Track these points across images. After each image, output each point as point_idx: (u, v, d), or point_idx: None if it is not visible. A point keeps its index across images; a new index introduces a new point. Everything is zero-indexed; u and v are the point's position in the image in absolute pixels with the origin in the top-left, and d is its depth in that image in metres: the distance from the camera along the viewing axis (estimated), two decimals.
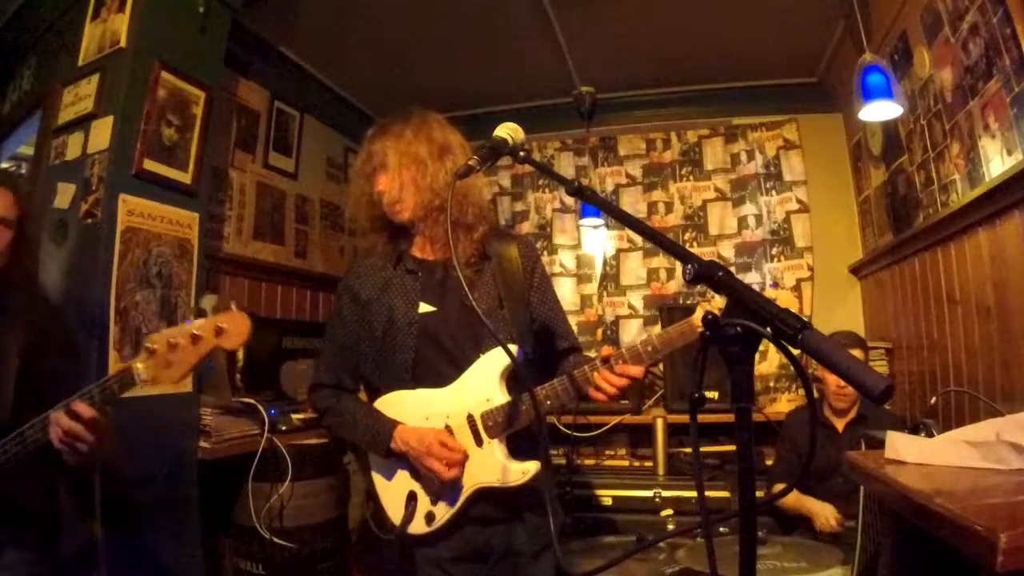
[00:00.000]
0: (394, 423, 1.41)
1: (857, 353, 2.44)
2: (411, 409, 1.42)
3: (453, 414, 1.38)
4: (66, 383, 1.30)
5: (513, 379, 1.38)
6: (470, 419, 1.37)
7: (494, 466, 1.35)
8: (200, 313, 1.19)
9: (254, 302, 3.08)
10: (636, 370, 1.28)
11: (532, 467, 1.34)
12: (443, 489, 1.38)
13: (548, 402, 1.35)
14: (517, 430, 1.36)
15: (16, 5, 2.59)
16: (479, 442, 1.37)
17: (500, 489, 1.35)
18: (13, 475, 1.23)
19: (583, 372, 1.32)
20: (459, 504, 1.37)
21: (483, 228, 1.46)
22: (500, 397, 1.36)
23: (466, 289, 1.12)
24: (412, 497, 1.41)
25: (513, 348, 1.35)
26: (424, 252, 1.50)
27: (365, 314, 1.48)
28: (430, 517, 1.39)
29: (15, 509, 1.33)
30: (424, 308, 1.44)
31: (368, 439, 1.46)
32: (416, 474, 1.41)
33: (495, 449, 1.36)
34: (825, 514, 2.27)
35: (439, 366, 1.41)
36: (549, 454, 1.49)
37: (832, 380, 2.43)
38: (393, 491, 1.44)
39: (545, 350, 1.51)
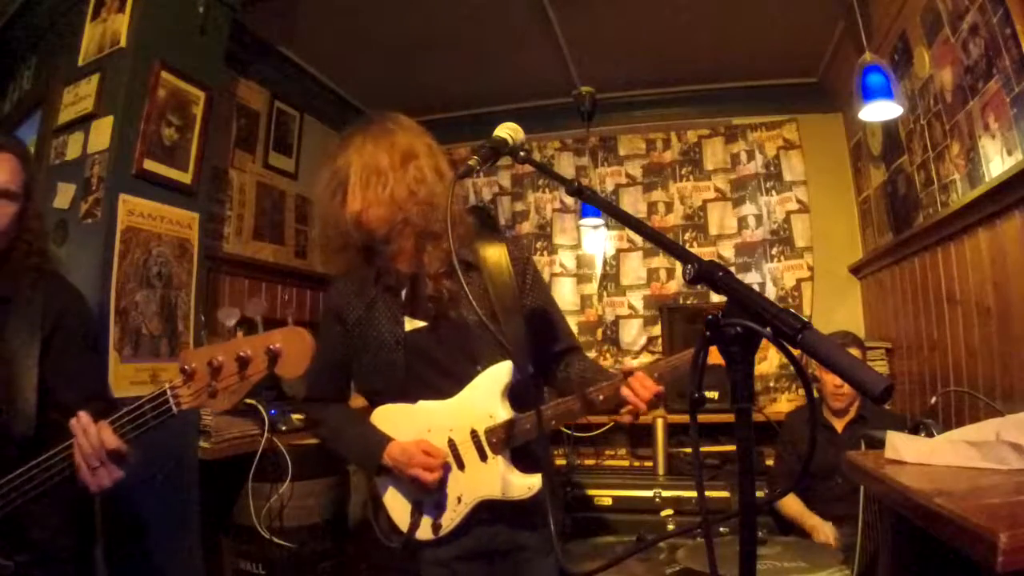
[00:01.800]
0: (386, 440, 1.39)
1: (855, 353, 2.45)
2: (413, 422, 1.40)
3: (456, 428, 1.37)
4: (85, 377, 1.24)
5: (515, 392, 1.37)
6: (474, 435, 1.36)
7: (498, 481, 1.35)
8: (224, 331, 1.00)
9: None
10: (653, 386, 1.26)
11: (537, 482, 1.33)
12: (439, 498, 1.38)
13: (553, 422, 1.35)
14: (522, 443, 1.35)
15: (16, 5, 2.58)
16: (483, 457, 1.36)
17: (505, 501, 1.35)
18: (38, 500, 1.11)
19: (592, 391, 1.31)
20: (463, 516, 1.37)
21: (458, 233, 1.37)
22: (503, 413, 1.35)
23: (473, 301, 1.08)
24: (419, 506, 1.40)
25: (508, 364, 1.35)
26: (404, 265, 1.43)
27: (353, 336, 1.45)
28: (436, 528, 1.38)
29: (41, 534, 1.23)
30: (412, 324, 1.40)
31: (357, 456, 1.45)
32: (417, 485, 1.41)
33: (500, 464, 1.35)
34: (825, 532, 2.28)
35: (434, 381, 1.39)
36: (552, 466, 1.48)
37: (829, 380, 2.44)
38: (400, 499, 1.43)
39: (543, 353, 1.50)
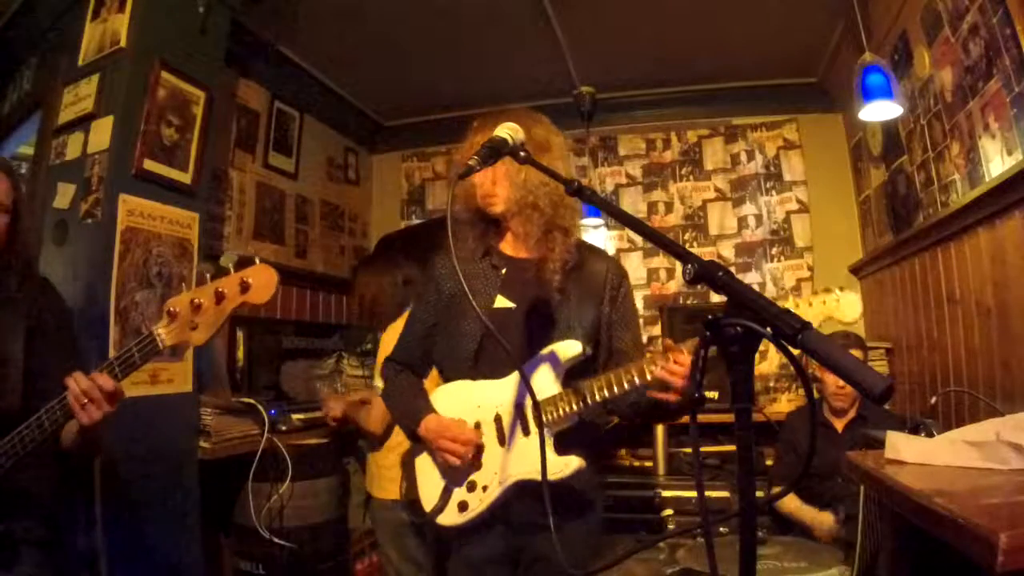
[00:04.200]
0: (428, 409, 1.44)
1: (857, 353, 2.45)
2: (465, 399, 1.42)
3: (504, 404, 1.38)
4: (65, 369, 1.29)
5: (573, 375, 1.37)
6: (519, 409, 1.36)
7: (536, 457, 1.31)
8: (221, 272, 1.15)
9: None
10: (689, 359, 1.22)
11: (575, 462, 1.30)
12: (473, 474, 1.38)
13: (603, 391, 1.29)
14: (569, 425, 1.34)
15: (16, 5, 2.58)
16: (526, 432, 1.35)
17: (540, 484, 1.31)
18: (26, 463, 1.22)
19: (640, 363, 1.27)
20: (496, 495, 1.35)
21: (578, 236, 1.47)
22: (554, 389, 1.35)
23: (467, 294, 1.09)
24: (449, 485, 1.41)
25: (571, 343, 1.36)
26: (513, 249, 1.50)
27: (446, 305, 1.50)
28: (463, 506, 1.38)
29: (28, 499, 1.32)
30: (501, 303, 1.44)
31: (403, 419, 1.50)
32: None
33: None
34: (822, 522, 2.28)
35: (503, 361, 1.40)
36: (592, 456, 1.46)
37: (831, 380, 2.43)
38: (432, 478, 1.45)
39: (604, 366, 1.48)
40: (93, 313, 1.92)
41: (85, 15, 2.22)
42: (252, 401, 2.37)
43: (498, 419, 1.39)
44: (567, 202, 1.43)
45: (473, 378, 1.44)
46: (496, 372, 1.41)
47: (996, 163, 1.90)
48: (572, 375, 1.37)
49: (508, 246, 1.51)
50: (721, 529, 2.19)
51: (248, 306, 1.14)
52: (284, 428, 2.41)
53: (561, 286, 1.43)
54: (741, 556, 0.71)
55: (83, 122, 2.11)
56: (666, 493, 2.56)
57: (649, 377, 1.25)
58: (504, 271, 1.47)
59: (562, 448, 1.34)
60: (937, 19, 2.16)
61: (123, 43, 2.08)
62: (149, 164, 2.10)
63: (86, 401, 1.13)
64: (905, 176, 2.63)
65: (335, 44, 3.16)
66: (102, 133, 2.05)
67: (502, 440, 1.38)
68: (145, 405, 1.97)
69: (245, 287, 1.11)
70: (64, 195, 2.08)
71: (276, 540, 2.23)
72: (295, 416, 2.51)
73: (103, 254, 1.96)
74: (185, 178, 2.22)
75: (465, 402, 1.42)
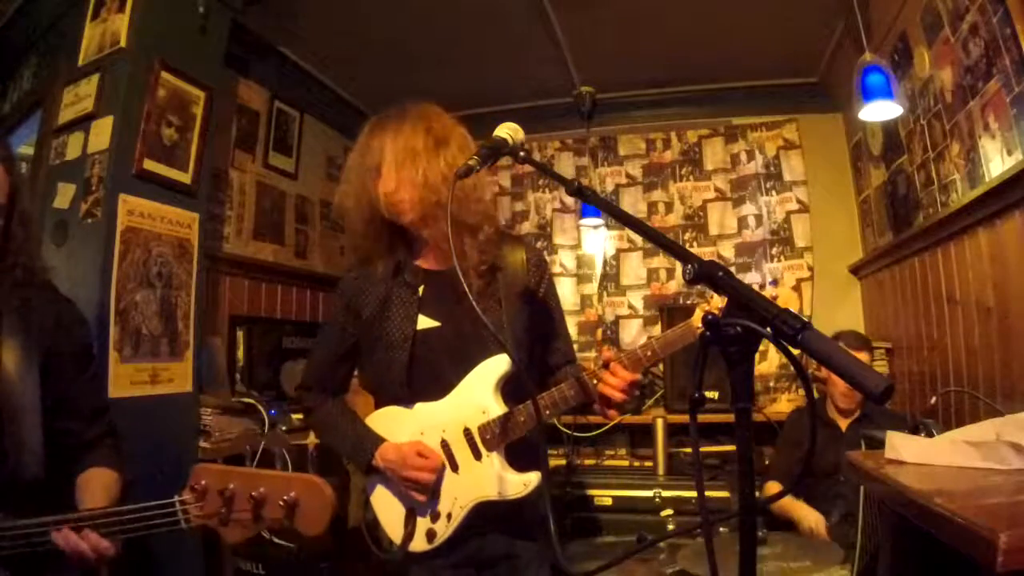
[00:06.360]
0: (379, 440, 1.37)
1: (863, 356, 2.44)
2: (406, 424, 1.38)
3: (449, 428, 1.35)
4: (87, 398, 1.23)
5: (509, 389, 1.34)
6: (467, 433, 1.33)
7: (493, 479, 1.31)
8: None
9: (254, 302, 3.08)
10: (626, 374, 1.22)
11: (533, 479, 1.29)
12: (433, 502, 1.35)
13: (547, 411, 1.29)
14: (515, 440, 1.32)
15: (16, 5, 2.59)
16: (477, 456, 1.33)
17: (500, 503, 1.31)
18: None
19: (583, 378, 1.27)
20: (459, 521, 1.33)
21: (488, 231, 1.36)
22: (496, 408, 1.32)
23: (472, 299, 1.04)
24: (412, 515, 1.37)
25: (504, 357, 1.31)
26: (429, 262, 1.42)
27: (365, 331, 1.43)
28: (431, 535, 1.35)
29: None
30: (424, 323, 1.38)
31: (350, 450, 1.42)
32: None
33: (494, 462, 1.32)
34: (811, 521, 2.27)
35: (438, 382, 1.36)
36: (547, 464, 1.43)
37: (840, 383, 2.44)
38: (393, 509, 1.40)
39: (540, 361, 1.47)
40: (93, 313, 1.92)
41: (85, 15, 2.22)
42: (252, 401, 2.38)
43: (445, 444, 1.35)
44: (475, 195, 1.33)
45: (409, 402, 1.38)
46: (433, 393, 1.36)
47: (996, 163, 1.90)
48: (510, 384, 1.34)
49: (423, 259, 1.42)
50: (721, 529, 2.18)
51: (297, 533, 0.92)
52: (284, 428, 2.41)
53: (482, 291, 1.35)
54: (741, 556, 0.71)
55: (83, 122, 2.11)
56: (666, 493, 2.55)
57: (591, 394, 1.25)
58: (422, 288, 1.39)
59: (516, 464, 1.32)
60: (937, 19, 2.16)
61: (123, 43, 2.08)
62: (149, 164, 2.10)
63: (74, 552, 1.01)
64: (905, 176, 2.63)
65: (335, 44, 3.16)
66: (102, 133, 2.05)
67: (454, 466, 1.35)
68: (145, 405, 1.97)
69: (291, 507, 0.90)
70: (64, 195, 2.08)
71: (276, 540, 2.23)
72: (295, 416, 2.51)
73: (103, 254, 1.96)
74: (185, 178, 2.22)
75: (407, 428, 1.37)
